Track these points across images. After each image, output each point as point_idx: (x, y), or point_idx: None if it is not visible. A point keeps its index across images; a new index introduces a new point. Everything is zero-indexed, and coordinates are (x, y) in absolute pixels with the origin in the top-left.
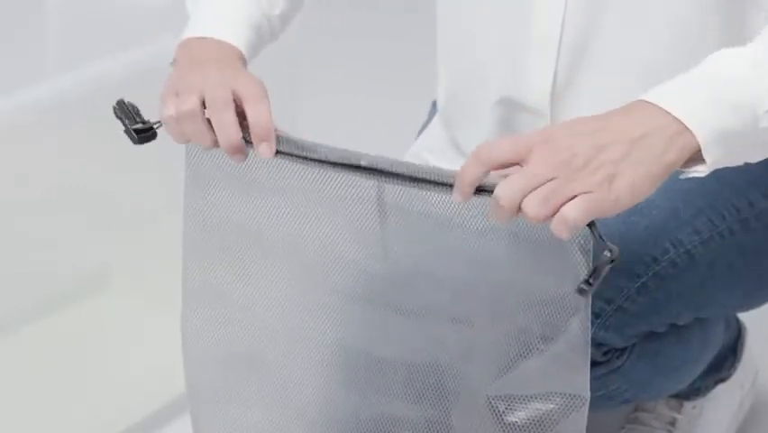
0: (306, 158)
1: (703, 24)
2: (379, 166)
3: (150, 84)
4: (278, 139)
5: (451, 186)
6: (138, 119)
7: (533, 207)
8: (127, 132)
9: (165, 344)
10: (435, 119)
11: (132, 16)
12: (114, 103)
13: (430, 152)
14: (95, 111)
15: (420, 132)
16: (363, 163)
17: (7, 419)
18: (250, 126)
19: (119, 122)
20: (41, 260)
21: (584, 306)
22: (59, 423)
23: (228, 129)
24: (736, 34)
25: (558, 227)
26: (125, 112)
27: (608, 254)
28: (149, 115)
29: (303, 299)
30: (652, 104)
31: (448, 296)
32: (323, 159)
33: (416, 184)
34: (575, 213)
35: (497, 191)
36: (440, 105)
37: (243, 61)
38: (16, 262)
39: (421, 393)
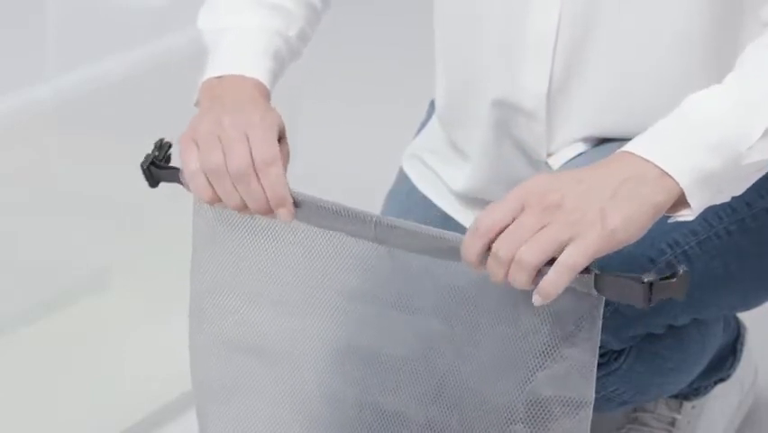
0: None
1: (698, 28)
2: (387, 239)
3: (150, 84)
4: (294, 203)
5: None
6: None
7: (531, 253)
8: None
9: (164, 343)
10: (434, 118)
11: (132, 16)
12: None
13: (429, 152)
14: (95, 111)
15: (418, 131)
16: (371, 235)
17: (7, 419)
18: (267, 195)
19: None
20: (41, 260)
21: (594, 307)
22: (59, 423)
23: (256, 195)
24: (730, 37)
25: (559, 273)
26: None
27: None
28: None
29: (308, 295)
30: (632, 154)
31: (453, 296)
32: (332, 227)
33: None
34: (574, 257)
35: (494, 247)
36: (438, 105)
37: (265, 93)
38: (15, 262)
39: (423, 392)
